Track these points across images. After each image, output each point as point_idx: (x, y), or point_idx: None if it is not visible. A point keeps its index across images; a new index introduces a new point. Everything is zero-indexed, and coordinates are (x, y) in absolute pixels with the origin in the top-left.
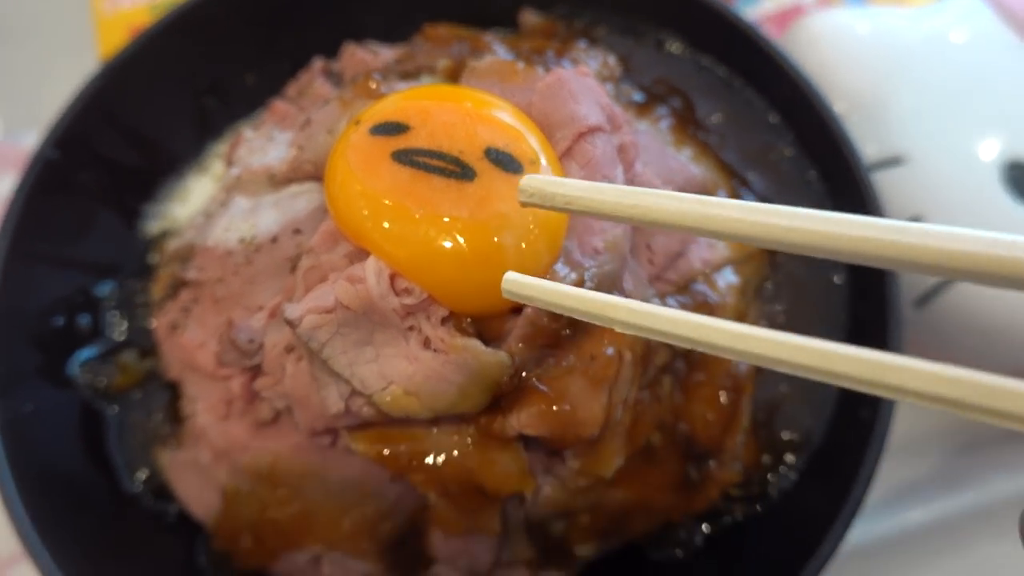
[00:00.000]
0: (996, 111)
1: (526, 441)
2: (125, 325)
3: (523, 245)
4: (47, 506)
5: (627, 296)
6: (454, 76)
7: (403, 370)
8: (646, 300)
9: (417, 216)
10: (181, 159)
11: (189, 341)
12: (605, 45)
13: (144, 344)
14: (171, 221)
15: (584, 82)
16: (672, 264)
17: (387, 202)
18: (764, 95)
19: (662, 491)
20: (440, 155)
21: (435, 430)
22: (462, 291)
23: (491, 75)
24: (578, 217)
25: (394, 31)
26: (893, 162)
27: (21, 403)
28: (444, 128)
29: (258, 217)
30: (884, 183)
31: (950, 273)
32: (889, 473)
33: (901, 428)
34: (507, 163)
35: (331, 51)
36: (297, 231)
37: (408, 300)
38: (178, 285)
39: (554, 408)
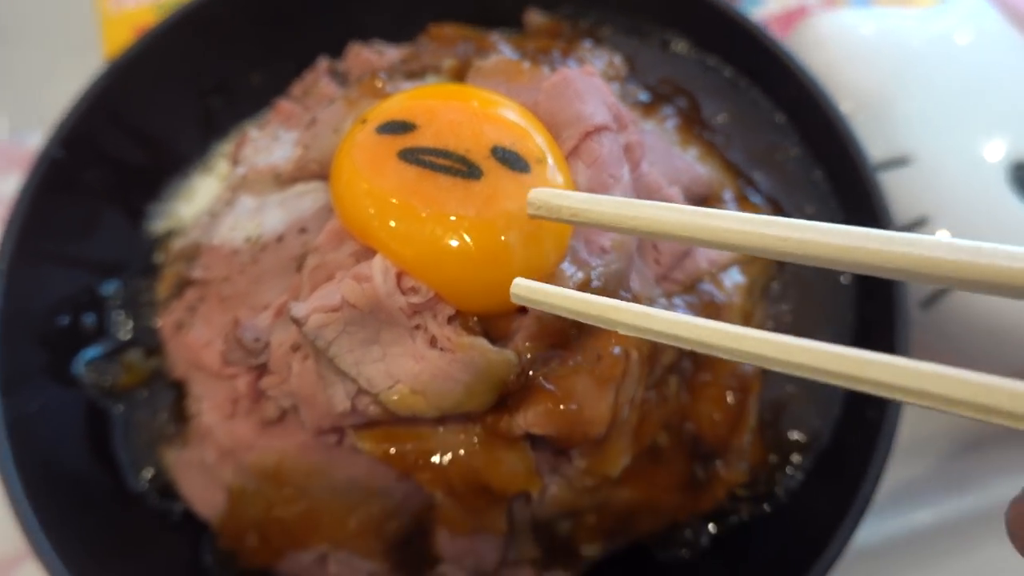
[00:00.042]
0: (1002, 111)
1: (532, 440)
2: (130, 324)
3: (530, 244)
4: (52, 504)
5: (634, 295)
6: (459, 76)
7: (410, 369)
8: (653, 300)
9: (424, 215)
10: (186, 159)
11: (195, 340)
12: (610, 45)
13: (149, 343)
14: (176, 220)
15: (590, 81)
16: (679, 264)
17: (393, 201)
18: (770, 95)
19: (668, 491)
20: (446, 154)
21: (441, 429)
22: (469, 290)
23: (497, 74)
24: None
25: (398, 31)
26: (899, 162)
27: (27, 402)
28: (450, 127)
29: (264, 216)
30: (890, 183)
31: (950, 283)
32: (895, 474)
33: (907, 430)
34: (514, 162)
35: (336, 51)
36: (303, 230)
37: (415, 299)
38: (184, 284)
39: (561, 407)
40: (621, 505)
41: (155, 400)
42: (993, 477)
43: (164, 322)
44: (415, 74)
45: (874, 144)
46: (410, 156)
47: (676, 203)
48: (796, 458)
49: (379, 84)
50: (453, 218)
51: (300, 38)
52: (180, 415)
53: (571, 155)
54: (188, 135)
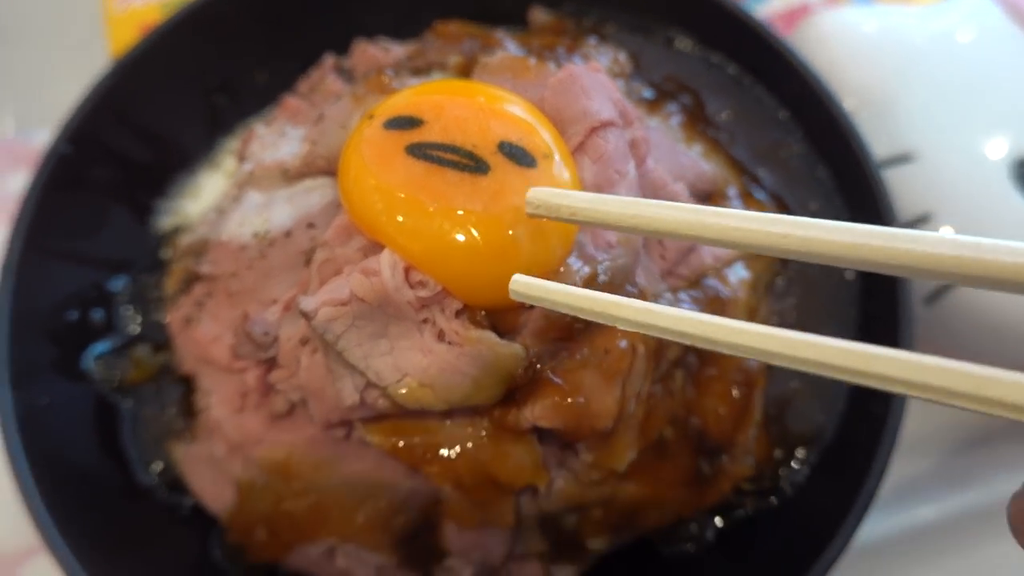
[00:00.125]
0: (1005, 108)
1: (539, 434)
2: (139, 320)
3: (537, 238)
4: (62, 498)
5: (640, 290)
6: (465, 72)
7: (418, 362)
8: (658, 295)
9: (431, 209)
10: (192, 156)
11: (203, 335)
12: (615, 42)
13: (157, 338)
14: (183, 217)
15: (596, 78)
16: (683, 260)
17: (401, 195)
18: (774, 92)
19: (674, 485)
20: (454, 149)
21: (449, 422)
22: (476, 284)
23: (503, 71)
24: None
25: (403, 29)
26: (902, 159)
27: (37, 396)
28: (457, 122)
29: (271, 212)
30: (893, 180)
31: (954, 279)
32: (898, 470)
33: (910, 426)
34: (520, 157)
35: (341, 48)
36: (311, 225)
37: (423, 293)
38: (191, 279)
39: (568, 400)
40: (627, 499)
41: (163, 395)
42: (996, 473)
43: (172, 317)
44: (421, 71)
45: (877, 141)
46: (418, 151)
47: (681, 199)
48: (801, 453)
49: (386, 80)
50: (461, 213)
51: (304, 36)
52: (188, 410)
53: (577, 151)
54: (194, 132)
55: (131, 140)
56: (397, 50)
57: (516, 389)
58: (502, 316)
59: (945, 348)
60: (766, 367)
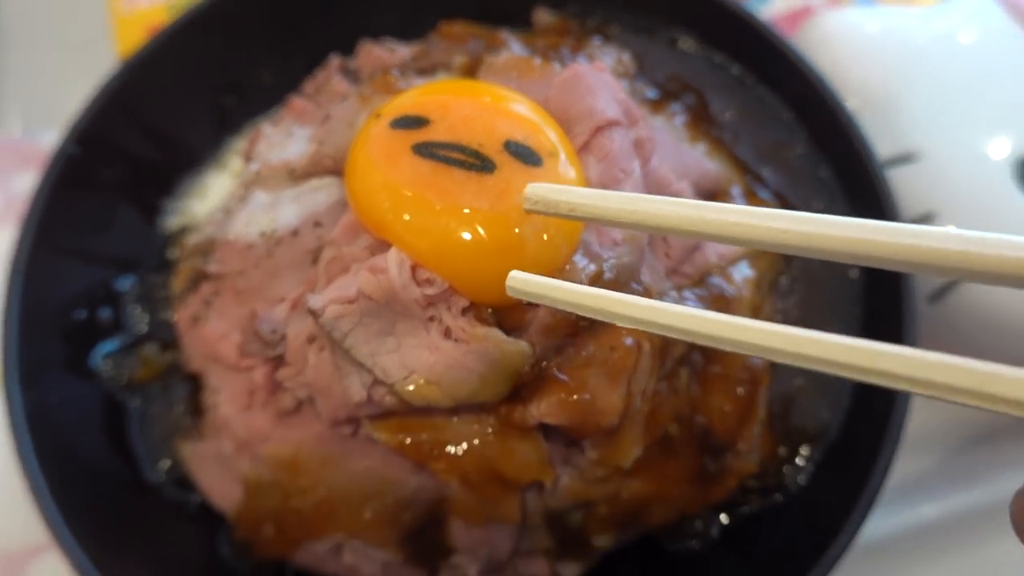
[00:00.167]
0: (1007, 108)
1: (545, 432)
2: (146, 319)
3: (543, 236)
4: (71, 495)
5: (645, 288)
6: (470, 72)
7: (425, 360)
8: (663, 292)
9: (438, 208)
10: (199, 156)
11: (211, 333)
12: (619, 43)
13: (165, 337)
14: (189, 217)
15: (601, 77)
16: (688, 258)
17: (408, 194)
18: (777, 92)
19: (679, 482)
20: (460, 148)
21: (456, 419)
22: (482, 281)
23: (508, 71)
24: None
25: (407, 30)
26: (905, 159)
27: (46, 394)
28: (464, 121)
29: (278, 211)
30: (896, 179)
31: (958, 274)
32: (902, 468)
33: (914, 424)
34: (526, 156)
35: (346, 49)
36: (318, 224)
37: (429, 290)
38: (199, 278)
39: (574, 397)
40: (632, 496)
41: (171, 393)
42: (1000, 471)
43: (180, 316)
44: (426, 71)
45: (880, 141)
46: (424, 150)
47: (685, 198)
48: (805, 450)
49: (392, 80)
50: (467, 211)
51: (310, 37)
52: (196, 408)
53: (582, 150)
54: (201, 133)
55: (139, 140)
56: (402, 51)
57: (522, 386)
58: (508, 314)
59: (949, 345)
60: (770, 365)
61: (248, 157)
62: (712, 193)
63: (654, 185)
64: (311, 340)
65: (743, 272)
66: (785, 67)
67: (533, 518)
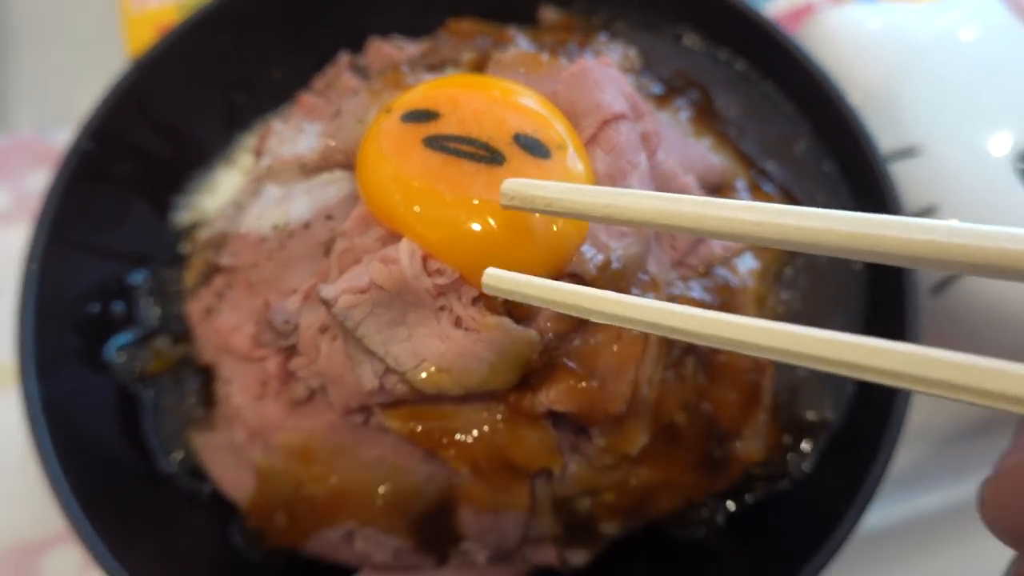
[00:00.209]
0: (1008, 103)
1: (554, 419)
2: (158, 312)
3: (552, 227)
4: (87, 485)
5: (652, 279)
6: (479, 68)
7: (435, 348)
8: (669, 283)
9: (448, 199)
10: (210, 152)
11: (224, 324)
12: (624, 39)
13: (177, 330)
14: (200, 213)
15: (608, 72)
16: (693, 249)
17: (419, 186)
18: (781, 88)
19: (685, 470)
20: (470, 141)
21: (466, 407)
22: None
23: (516, 66)
24: None
25: (416, 27)
26: (907, 153)
27: (61, 385)
28: (473, 115)
29: (290, 204)
30: (899, 173)
31: (960, 268)
32: (902, 459)
33: (915, 415)
34: (535, 148)
35: (354, 46)
36: (329, 217)
37: (440, 280)
38: (211, 271)
39: (582, 384)
40: (639, 483)
41: (183, 385)
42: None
43: (192, 308)
44: (435, 67)
45: (882, 136)
46: (435, 143)
47: (691, 191)
48: (809, 439)
49: (402, 76)
50: (477, 202)
51: (319, 35)
52: (207, 400)
53: (590, 143)
54: (212, 129)
55: (151, 137)
56: (411, 48)
57: (531, 374)
58: (518, 303)
59: (951, 339)
60: None
61: (259, 153)
62: (717, 187)
63: (660, 178)
64: (323, 330)
65: (748, 263)
66: (789, 63)
67: (542, 505)
